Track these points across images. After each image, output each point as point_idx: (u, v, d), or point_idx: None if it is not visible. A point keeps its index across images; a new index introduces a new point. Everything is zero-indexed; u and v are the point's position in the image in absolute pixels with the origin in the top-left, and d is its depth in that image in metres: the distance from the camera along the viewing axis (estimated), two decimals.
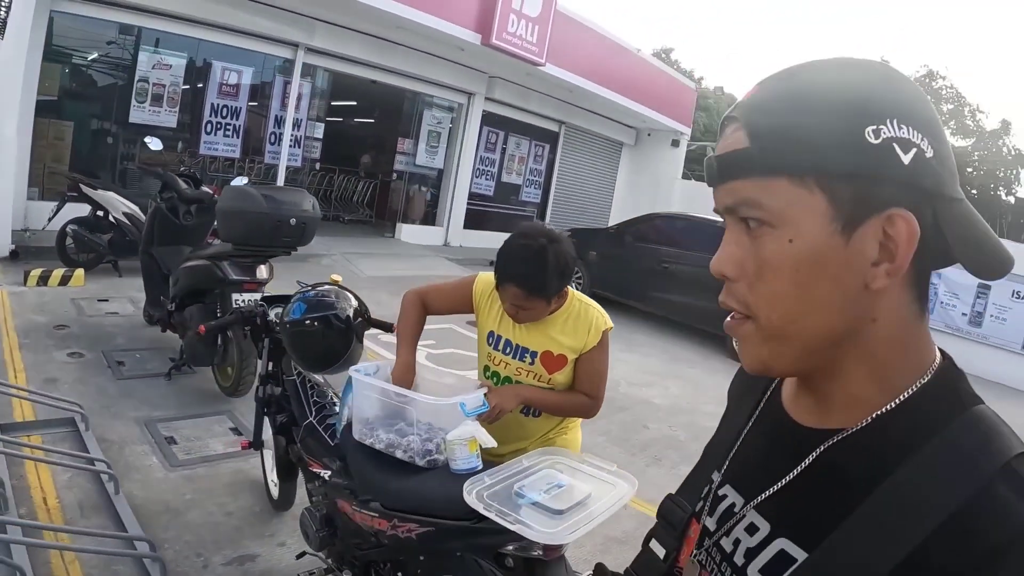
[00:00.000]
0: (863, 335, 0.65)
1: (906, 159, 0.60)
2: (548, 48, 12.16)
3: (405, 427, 2.12)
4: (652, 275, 9.89)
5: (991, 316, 11.90)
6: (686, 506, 0.83)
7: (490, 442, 1.98)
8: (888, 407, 0.65)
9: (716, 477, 0.81)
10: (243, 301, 4.45)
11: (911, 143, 0.60)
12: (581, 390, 2.31)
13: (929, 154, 0.60)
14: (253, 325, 3.03)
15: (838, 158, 0.60)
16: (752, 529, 0.71)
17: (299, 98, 11.05)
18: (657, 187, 17.14)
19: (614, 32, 14.38)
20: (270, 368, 3.02)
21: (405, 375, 2.25)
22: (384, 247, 11.95)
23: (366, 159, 15.34)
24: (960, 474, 0.58)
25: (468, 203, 14.31)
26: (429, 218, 14.19)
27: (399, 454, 2.09)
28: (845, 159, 0.60)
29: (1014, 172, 27.57)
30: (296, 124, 11.16)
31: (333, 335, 2.64)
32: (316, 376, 2.94)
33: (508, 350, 2.31)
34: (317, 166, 13.17)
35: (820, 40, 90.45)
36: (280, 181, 10.52)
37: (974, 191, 27.83)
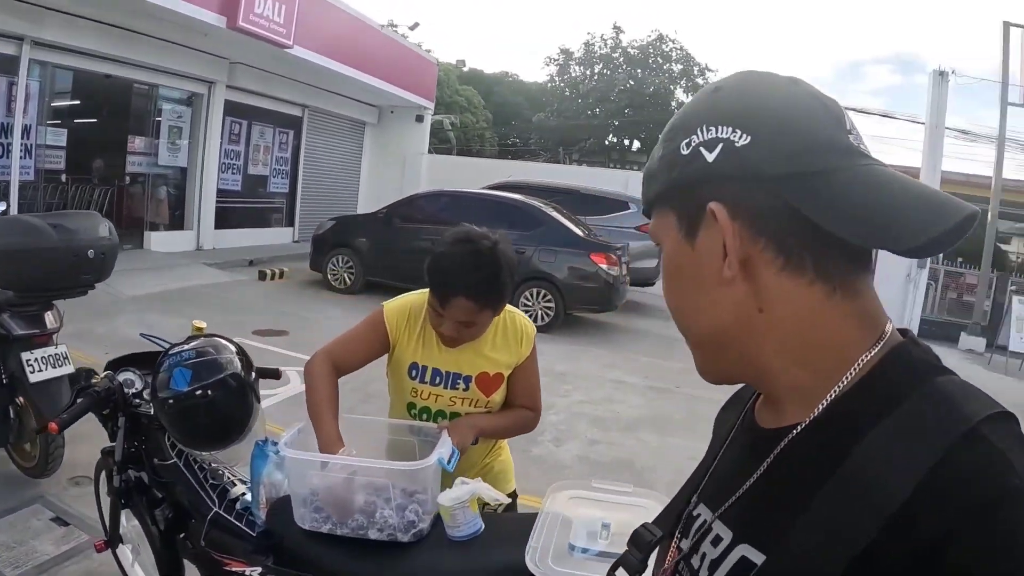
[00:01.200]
0: (757, 325, 0.66)
1: (710, 156, 0.63)
2: (295, 29, 11.59)
3: (375, 502, 1.78)
4: (425, 256, 9.82)
5: None
6: (655, 530, 0.83)
7: (499, 497, 1.79)
8: (832, 394, 0.64)
9: (694, 500, 0.81)
10: (35, 361, 3.55)
11: (716, 140, 0.63)
12: (521, 404, 2.17)
13: (742, 142, 0.62)
14: (110, 406, 2.33)
15: (662, 180, 0.68)
16: (716, 540, 0.70)
17: (27, 100, 9.46)
18: (404, 164, 17.23)
19: (359, 8, 14.14)
20: (128, 449, 2.35)
21: (333, 448, 1.89)
22: (135, 261, 10.73)
23: (99, 163, 13.87)
24: (914, 452, 0.55)
25: (217, 201, 13.27)
26: (177, 222, 12.93)
27: (373, 534, 1.76)
28: (666, 178, 0.68)
29: None
30: (25, 131, 9.54)
31: (232, 402, 2.11)
32: (200, 453, 2.33)
33: (438, 380, 2.07)
34: (63, 178, 11.14)
35: (536, 8, 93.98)
36: (14, 201, 9.15)
37: None
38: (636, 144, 33.79)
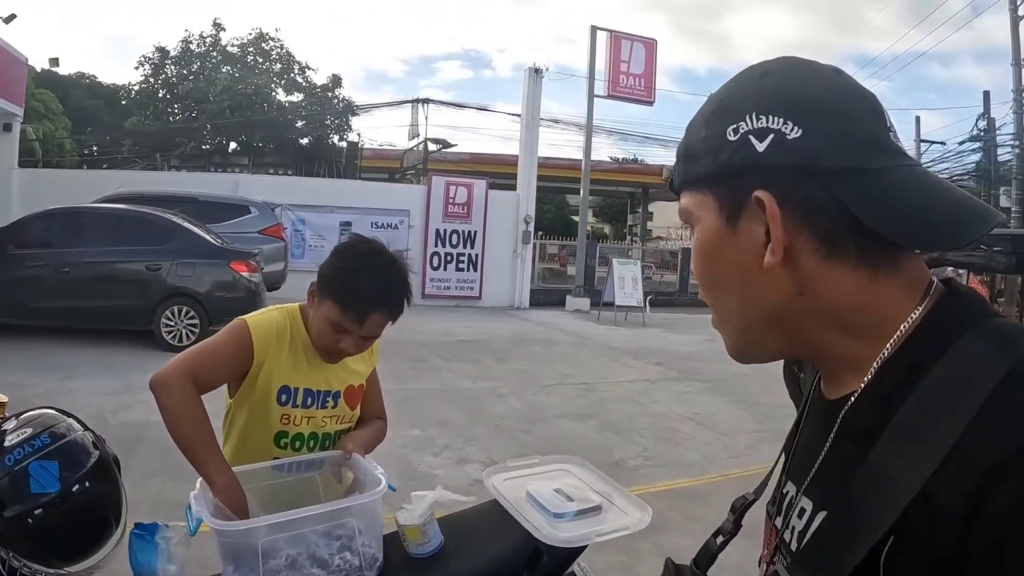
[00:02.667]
0: (799, 307, 0.68)
1: (761, 147, 0.64)
2: None
3: (333, 547, 1.57)
4: (50, 284, 8.81)
5: None
6: (749, 495, 0.87)
7: (457, 497, 1.74)
8: (879, 359, 0.65)
9: (784, 478, 0.81)
10: None
11: (767, 131, 0.64)
12: (374, 414, 2.12)
13: (794, 135, 0.63)
14: None
15: (707, 163, 0.68)
16: (802, 513, 0.72)
17: None
18: None
19: None
20: None
21: (236, 495, 1.63)
22: None
23: None
24: (962, 395, 0.57)
25: None
26: None
27: None
28: (711, 161, 0.68)
29: (345, 120, 31.56)
30: None
31: (110, 489, 1.68)
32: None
33: (310, 401, 1.90)
34: None
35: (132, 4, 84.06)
36: None
37: (305, 140, 31.18)
38: (233, 145, 32.64)
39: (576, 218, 26.45)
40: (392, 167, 28.04)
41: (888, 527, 0.57)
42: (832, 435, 0.69)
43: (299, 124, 31.41)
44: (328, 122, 31.73)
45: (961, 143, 25.16)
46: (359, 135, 31.72)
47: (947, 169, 26.21)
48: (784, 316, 0.69)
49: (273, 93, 32.51)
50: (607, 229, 49.15)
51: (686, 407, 7.75)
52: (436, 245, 16.82)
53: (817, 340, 0.69)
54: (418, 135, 25.23)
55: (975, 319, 0.64)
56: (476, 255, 17.16)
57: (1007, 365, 0.57)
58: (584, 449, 5.88)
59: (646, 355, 11.39)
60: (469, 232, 17.13)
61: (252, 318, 1.88)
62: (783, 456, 0.84)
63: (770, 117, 0.64)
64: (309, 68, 33.61)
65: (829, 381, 0.74)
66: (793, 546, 0.72)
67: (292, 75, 32.90)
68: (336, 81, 33.01)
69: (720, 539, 0.91)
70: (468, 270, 17.11)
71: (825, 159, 0.63)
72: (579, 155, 20.61)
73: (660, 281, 23.70)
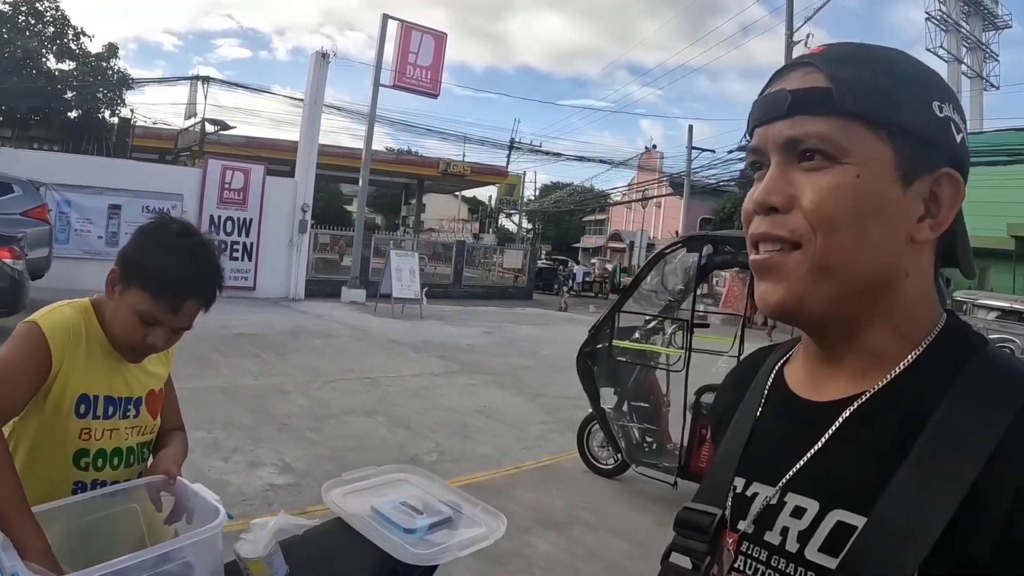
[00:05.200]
0: (895, 288, 0.70)
1: (957, 138, 0.69)
2: None
3: None
4: None
5: (126, 234, 13.10)
6: (711, 510, 0.78)
7: (302, 521, 1.54)
8: (908, 360, 0.69)
9: (740, 482, 0.79)
10: None
11: (960, 127, 0.70)
12: (174, 425, 1.84)
13: (961, 136, 0.70)
14: None
15: (911, 118, 0.68)
16: (799, 512, 0.70)
17: None
18: None
19: None
20: None
21: (54, 561, 1.35)
22: None
23: None
24: (996, 404, 0.62)
25: None
26: None
27: None
28: (916, 120, 0.68)
29: (119, 93, 28.10)
30: None
31: None
32: None
33: (112, 410, 1.62)
34: None
35: None
36: None
37: (74, 113, 27.36)
38: None
39: (349, 208, 25.99)
40: (166, 148, 25.81)
41: (941, 530, 0.59)
42: (832, 432, 0.70)
43: (69, 95, 27.67)
44: (100, 95, 28.35)
45: (730, 152, 27.58)
46: (132, 111, 28.69)
47: (715, 175, 29.00)
48: (879, 286, 0.70)
49: (44, 59, 28.44)
50: (379, 220, 48.75)
51: (473, 400, 7.90)
52: (210, 232, 15.48)
53: (868, 323, 0.71)
54: (195, 114, 23.41)
55: (980, 340, 0.71)
56: (251, 244, 16.25)
57: None
58: (376, 446, 5.81)
59: (427, 348, 11.46)
60: (245, 219, 16.19)
61: (43, 318, 1.55)
62: (719, 456, 0.84)
63: (959, 116, 0.70)
64: (84, 35, 29.86)
65: (828, 380, 0.75)
66: (792, 548, 0.70)
67: (66, 40, 29.01)
68: (112, 51, 29.32)
69: (697, 564, 0.76)
70: (243, 259, 16.13)
71: (967, 168, 0.71)
72: (354, 143, 20.23)
73: (434, 273, 23.94)
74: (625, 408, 5.42)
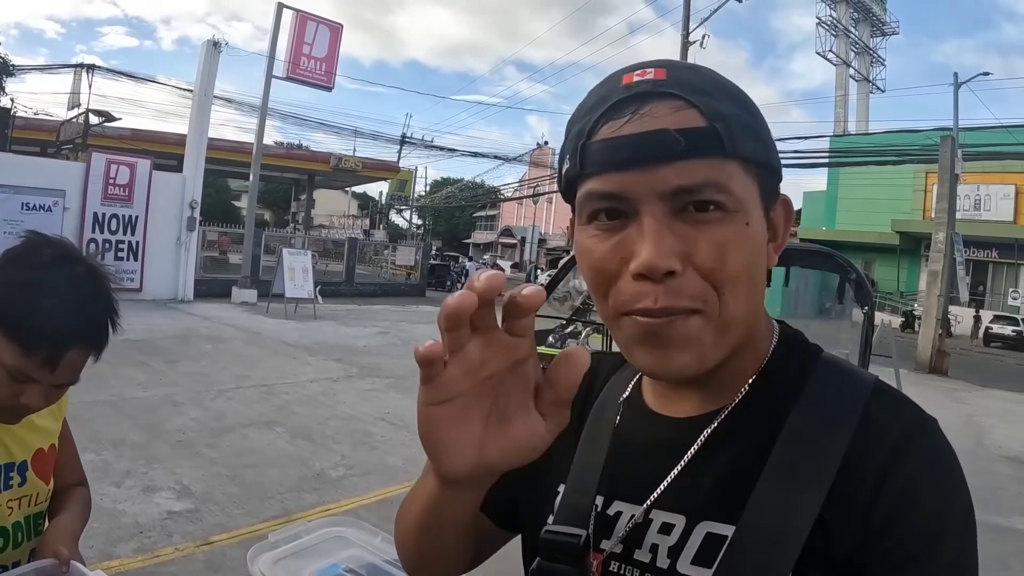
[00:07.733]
0: (760, 313, 0.72)
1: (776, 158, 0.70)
2: None
3: None
4: None
5: (5, 233, 12.07)
6: (576, 532, 0.72)
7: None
8: (758, 372, 0.71)
9: (599, 500, 0.76)
10: None
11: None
12: (73, 481, 1.55)
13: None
14: None
15: (773, 152, 0.68)
16: (666, 528, 0.69)
17: None
18: None
19: None
20: None
21: None
22: None
23: None
24: (843, 409, 0.65)
25: None
26: None
27: None
28: (775, 153, 0.68)
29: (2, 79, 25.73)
30: None
31: None
32: None
33: None
34: None
35: None
36: None
37: None
38: None
39: (237, 204, 25.06)
40: (47, 140, 23.78)
41: (808, 531, 0.60)
42: (696, 448, 0.69)
43: None
44: None
45: None
46: (13, 101, 26.56)
47: None
48: (755, 321, 0.71)
49: None
50: (268, 216, 47.22)
51: (374, 407, 7.76)
52: (94, 231, 14.67)
53: (739, 352, 0.69)
54: (79, 104, 21.89)
55: (815, 347, 0.74)
56: (137, 243, 15.33)
57: (867, 387, 0.67)
58: (278, 460, 5.63)
59: (323, 351, 11.20)
60: (130, 217, 15.23)
61: None
62: (577, 473, 0.79)
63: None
64: None
65: (677, 399, 0.74)
66: (663, 564, 0.68)
67: None
68: None
69: None
70: (128, 259, 15.18)
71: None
72: (241, 137, 19.52)
73: (325, 271, 23.40)
74: None
